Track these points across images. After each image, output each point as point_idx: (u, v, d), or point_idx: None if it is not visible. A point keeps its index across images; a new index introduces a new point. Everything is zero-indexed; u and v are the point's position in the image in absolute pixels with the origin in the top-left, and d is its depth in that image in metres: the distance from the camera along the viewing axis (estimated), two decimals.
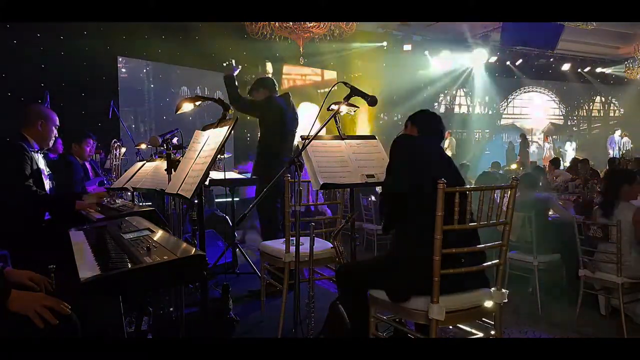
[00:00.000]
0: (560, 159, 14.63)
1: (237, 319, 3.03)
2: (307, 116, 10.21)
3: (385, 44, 12.26)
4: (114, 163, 5.68)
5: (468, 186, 1.95)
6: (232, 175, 4.52)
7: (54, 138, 3.12)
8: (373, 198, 5.64)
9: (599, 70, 15.65)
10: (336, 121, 2.59)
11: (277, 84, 4.22)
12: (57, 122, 3.10)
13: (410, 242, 1.93)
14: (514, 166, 11.53)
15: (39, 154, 3.01)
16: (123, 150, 5.99)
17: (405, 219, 1.98)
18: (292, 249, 2.51)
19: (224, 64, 4.10)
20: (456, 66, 13.66)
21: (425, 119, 2.36)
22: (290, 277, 2.73)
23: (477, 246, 1.89)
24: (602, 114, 17.54)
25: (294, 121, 4.05)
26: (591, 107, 17.41)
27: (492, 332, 2.01)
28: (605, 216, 3.28)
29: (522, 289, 4.01)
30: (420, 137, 2.24)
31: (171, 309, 2.80)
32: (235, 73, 4.05)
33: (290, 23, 7.02)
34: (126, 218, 2.42)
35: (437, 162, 2.11)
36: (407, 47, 12.60)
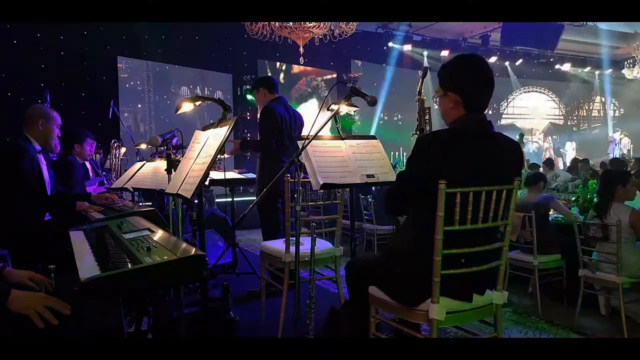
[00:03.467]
0: (560, 158, 14.62)
1: (237, 319, 3.03)
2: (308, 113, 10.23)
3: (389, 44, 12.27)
4: (114, 163, 5.69)
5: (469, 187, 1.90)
6: (232, 175, 4.52)
7: (56, 138, 3.10)
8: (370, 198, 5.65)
9: (598, 72, 15.68)
10: (336, 121, 2.59)
11: (278, 84, 4.20)
12: (59, 121, 3.09)
13: (427, 242, 1.81)
14: None
15: (40, 155, 3.01)
16: (123, 150, 6.00)
17: (424, 216, 1.86)
18: (292, 248, 2.50)
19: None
20: None
21: (478, 87, 1.85)
22: (290, 277, 2.73)
23: (475, 247, 1.87)
24: (602, 114, 17.54)
25: (295, 124, 4.04)
26: (591, 107, 17.41)
27: (492, 332, 2.01)
28: (599, 218, 3.28)
29: (522, 289, 4.02)
30: (454, 141, 1.82)
31: (171, 309, 2.80)
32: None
33: (290, 23, 7.01)
34: (126, 218, 2.42)
35: (476, 161, 1.80)
36: (407, 47, 12.62)
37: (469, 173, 1.78)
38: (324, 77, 12.04)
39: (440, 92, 1.91)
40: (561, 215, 4.01)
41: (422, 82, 2.34)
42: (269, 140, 3.87)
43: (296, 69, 11.41)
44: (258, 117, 4.15)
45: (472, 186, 1.75)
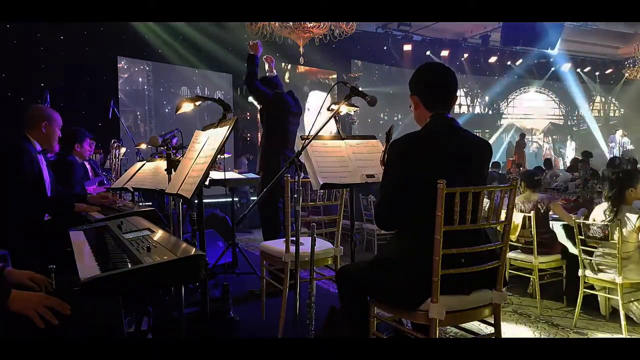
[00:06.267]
0: (560, 158, 14.63)
1: (237, 319, 3.03)
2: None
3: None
4: (114, 163, 5.69)
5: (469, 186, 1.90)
6: (232, 175, 4.52)
7: (57, 139, 3.10)
8: (372, 198, 5.65)
9: (598, 73, 15.70)
10: (336, 121, 2.59)
11: (281, 83, 4.22)
12: (60, 122, 3.09)
13: (419, 242, 1.84)
14: (507, 167, 11.55)
15: (40, 155, 3.00)
16: (123, 150, 6.00)
17: (416, 219, 1.89)
18: (292, 248, 2.50)
19: (250, 43, 4.04)
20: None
21: (434, 88, 1.97)
22: (290, 277, 2.73)
23: (476, 247, 1.87)
24: (602, 114, 17.54)
25: (298, 116, 4.09)
26: (591, 107, 17.41)
27: (492, 332, 2.01)
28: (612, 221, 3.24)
29: (522, 289, 4.02)
30: (422, 139, 1.93)
31: (171, 309, 2.80)
32: (259, 54, 4.08)
33: (290, 23, 7.01)
34: (126, 218, 2.42)
35: (447, 161, 1.88)
36: (407, 47, 12.62)
37: (446, 170, 1.80)
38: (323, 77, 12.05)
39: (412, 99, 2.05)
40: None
41: None
42: (258, 88, 3.97)
43: (301, 68, 11.38)
44: (258, 116, 4.17)
45: (452, 185, 1.77)
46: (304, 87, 11.68)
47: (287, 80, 11.34)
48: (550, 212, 3.88)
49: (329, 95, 3.94)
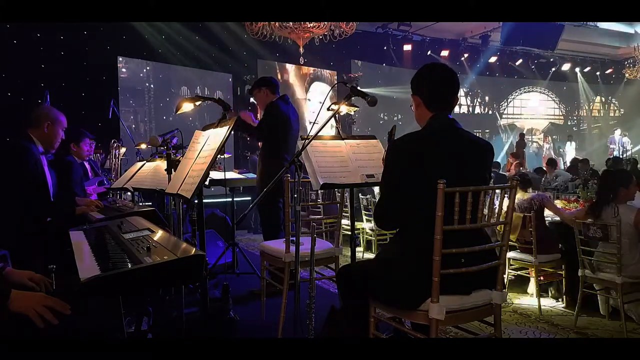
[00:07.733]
0: (561, 158, 14.63)
1: (237, 319, 3.04)
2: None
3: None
4: (114, 163, 5.69)
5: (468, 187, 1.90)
6: (232, 175, 4.52)
7: (60, 141, 3.08)
8: (376, 191, 5.65)
9: (598, 72, 15.70)
10: (336, 121, 2.59)
11: (279, 84, 4.22)
12: (65, 125, 3.07)
13: (420, 243, 1.84)
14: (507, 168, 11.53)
15: (43, 157, 2.99)
16: (123, 150, 6.00)
17: (415, 219, 1.89)
18: (292, 248, 2.51)
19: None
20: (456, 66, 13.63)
21: (437, 89, 1.98)
22: (291, 277, 2.73)
23: (475, 246, 1.87)
24: (602, 114, 17.53)
25: (296, 123, 4.08)
26: (591, 107, 17.40)
27: (492, 332, 2.01)
28: (593, 218, 3.26)
29: (522, 289, 4.02)
30: (423, 140, 1.94)
31: (171, 309, 2.80)
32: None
33: (290, 23, 7.01)
34: (126, 218, 2.42)
35: (448, 162, 1.88)
36: (407, 47, 12.62)
37: (446, 171, 1.80)
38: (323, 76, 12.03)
39: (414, 99, 2.05)
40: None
41: None
42: (262, 133, 3.96)
43: (304, 69, 11.36)
44: (258, 116, 4.16)
45: (452, 185, 1.76)
46: (304, 83, 11.67)
47: (292, 82, 11.34)
48: (549, 212, 3.88)
49: (329, 95, 3.93)
